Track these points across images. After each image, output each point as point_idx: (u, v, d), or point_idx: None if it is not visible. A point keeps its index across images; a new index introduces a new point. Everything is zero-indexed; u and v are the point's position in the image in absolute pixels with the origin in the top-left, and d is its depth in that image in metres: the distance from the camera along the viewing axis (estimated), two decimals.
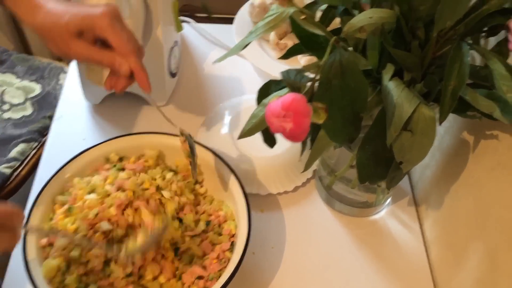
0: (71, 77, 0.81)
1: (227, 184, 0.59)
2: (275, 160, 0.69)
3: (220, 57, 0.39)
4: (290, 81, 0.31)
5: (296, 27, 0.41)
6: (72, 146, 0.65)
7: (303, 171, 0.51)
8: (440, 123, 0.43)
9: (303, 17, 0.35)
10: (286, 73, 0.30)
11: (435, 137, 0.44)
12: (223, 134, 0.72)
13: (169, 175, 0.59)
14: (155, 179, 0.58)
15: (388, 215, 0.69)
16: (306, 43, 0.42)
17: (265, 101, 0.38)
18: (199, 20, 0.92)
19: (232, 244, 0.55)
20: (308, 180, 0.71)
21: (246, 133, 0.44)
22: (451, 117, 0.54)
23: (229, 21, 0.85)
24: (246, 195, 0.57)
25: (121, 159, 0.61)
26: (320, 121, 0.33)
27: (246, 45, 0.38)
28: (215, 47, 0.89)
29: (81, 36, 0.47)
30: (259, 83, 0.85)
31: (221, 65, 0.85)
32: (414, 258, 0.64)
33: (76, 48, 0.47)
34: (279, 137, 0.40)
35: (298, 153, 0.67)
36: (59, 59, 1.13)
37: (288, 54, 0.46)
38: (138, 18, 0.63)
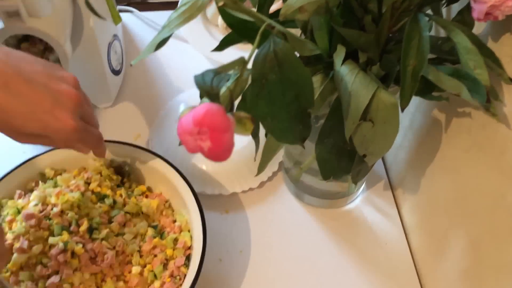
0: None
1: (178, 191, 0.53)
2: (236, 156, 0.62)
3: (136, 59, 0.33)
4: (206, 87, 0.25)
5: (224, 14, 0.34)
6: (11, 160, 0.57)
7: (256, 175, 0.45)
8: (402, 109, 0.37)
9: (221, 3, 0.29)
10: (201, 77, 0.24)
11: (398, 125, 0.38)
12: None
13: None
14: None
15: (363, 202, 0.64)
16: (240, 31, 0.36)
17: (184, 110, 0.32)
18: (143, 8, 0.84)
19: (188, 258, 0.50)
20: (275, 173, 0.65)
21: None
22: None
23: (174, 5, 0.78)
24: (198, 201, 0.51)
25: (60, 174, 0.55)
26: (248, 133, 0.27)
27: (163, 42, 0.31)
28: None
29: None
30: None
31: (171, 56, 0.77)
32: (394, 248, 0.60)
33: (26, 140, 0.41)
34: None
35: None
36: None
37: (222, 46, 0.39)
38: (63, 14, 0.55)
